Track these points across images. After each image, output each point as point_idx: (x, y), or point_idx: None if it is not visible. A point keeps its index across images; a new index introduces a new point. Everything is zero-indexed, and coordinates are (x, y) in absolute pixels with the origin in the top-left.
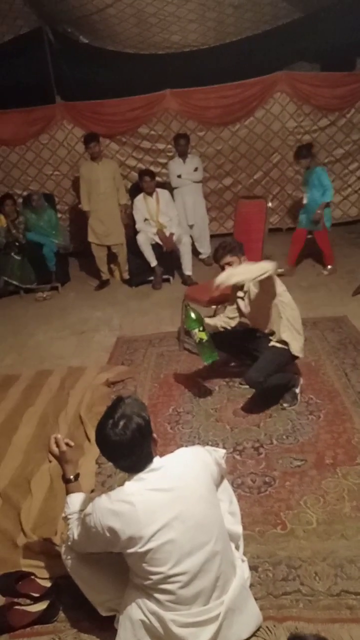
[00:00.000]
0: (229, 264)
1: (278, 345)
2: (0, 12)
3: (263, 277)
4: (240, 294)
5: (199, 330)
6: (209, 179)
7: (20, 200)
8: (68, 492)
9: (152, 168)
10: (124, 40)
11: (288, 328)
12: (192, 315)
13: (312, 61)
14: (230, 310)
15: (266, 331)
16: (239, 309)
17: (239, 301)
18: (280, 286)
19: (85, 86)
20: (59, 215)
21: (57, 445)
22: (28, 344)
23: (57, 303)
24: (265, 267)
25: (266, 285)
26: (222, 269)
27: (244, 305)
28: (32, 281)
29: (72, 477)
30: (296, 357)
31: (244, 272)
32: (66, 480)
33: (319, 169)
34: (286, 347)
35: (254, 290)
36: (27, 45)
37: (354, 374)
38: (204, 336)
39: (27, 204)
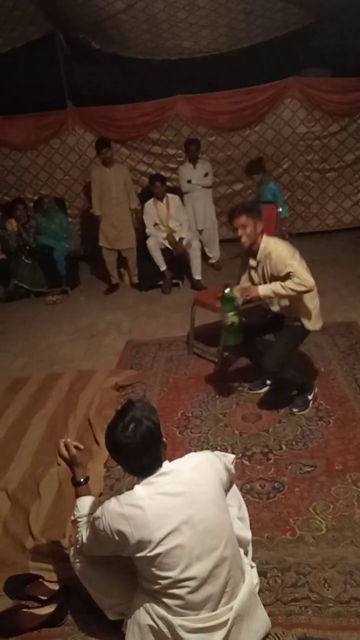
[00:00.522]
0: (244, 226)
1: (292, 324)
2: (14, 18)
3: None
4: (252, 262)
5: (233, 314)
6: (219, 184)
7: (31, 204)
8: (77, 495)
9: (162, 173)
10: (136, 46)
11: (301, 302)
12: (230, 296)
13: (323, 66)
14: (244, 281)
15: (277, 308)
16: (251, 279)
17: (252, 271)
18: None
19: (97, 92)
20: (70, 219)
21: (67, 449)
22: (38, 347)
23: (67, 306)
24: (309, 284)
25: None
26: (235, 230)
27: (257, 276)
28: (43, 285)
29: (82, 480)
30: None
31: (280, 292)
32: (76, 483)
33: (272, 184)
34: (299, 324)
35: (268, 269)
36: (40, 51)
37: None
38: (236, 320)
39: (38, 207)
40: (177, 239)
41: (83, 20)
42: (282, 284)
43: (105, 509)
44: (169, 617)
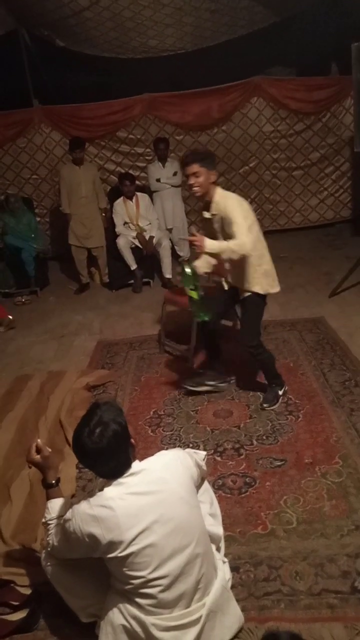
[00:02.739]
0: (196, 174)
1: (247, 296)
2: None
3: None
4: (206, 214)
5: (190, 289)
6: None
7: None
8: (49, 498)
9: (131, 172)
10: (102, 44)
11: (255, 270)
12: (188, 271)
13: (289, 66)
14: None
15: (232, 279)
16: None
17: (208, 225)
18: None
19: (63, 90)
20: (38, 219)
21: (40, 451)
22: (7, 349)
23: (37, 307)
24: (244, 249)
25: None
26: (187, 177)
27: (213, 230)
28: (11, 285)
29: (53, 481)
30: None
31: (226, 252)
32: (47, 485)
33: None
34: (254, 293)
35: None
36: (3, 48)
37: (331, 374)
38: (194, 295)
39: (5, 207)
40: (147, 237)
41: (47, 17)
42: (227, 243)
43: (75, 511)
44: (142, 616)
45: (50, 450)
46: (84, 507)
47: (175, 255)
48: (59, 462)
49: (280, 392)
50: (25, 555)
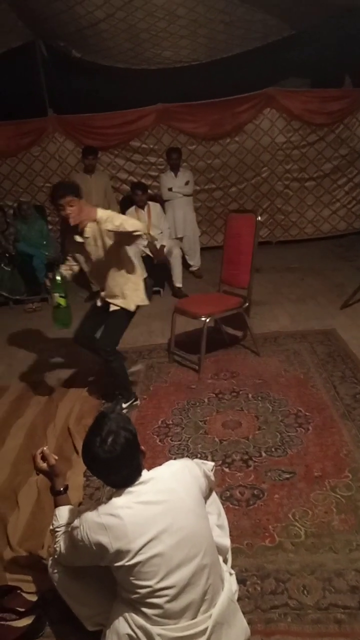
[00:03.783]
0: (70, 204)
1: (117, 307)
2: None
3: (137, 233)
4: (79, 239)
5: (60, 296)
6: (200, 192)
7: (11, 211)
8: (57, 505)
9: (143, 181)
10: (116, 54)
11: (128, 286)
12: (58, 279)
13: (302, 77)
14: (70, 260)
15: (105, 292)
16: (80, 257)
17: (85, 246)
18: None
19: (78, 99)
20: (50, 227)
21: (46, 459)
22: (17, 355)
23: (47, 314)
24: (138, 226)
25: (126, 240)
26: (60, 208)
27: (94, 248)
28: (22, 292)
29: (61, 489)
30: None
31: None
32: (55, 493)
33: None
34: (122, 308)
35: (108, 241)
36: (20, 59)
37: (342, 387)
38: (62, 302)
39: (17, 214)
40: (158, 246)
41: (63, 29)
42: (129, 223)
43: (83, 519)
44: (148, 626)
45: (56, 457)
46: (92, 515)
47: (185, 265)
48: (66, 469)
49: (125, 406)
50: (32, 562)
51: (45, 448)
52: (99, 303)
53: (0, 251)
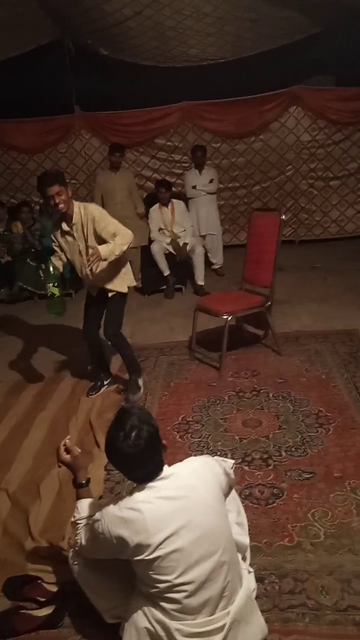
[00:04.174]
0: (59, 193)
1: (111, 296)
2: (23, 23)
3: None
4: (65, 227)
5: (53, 286)
6: (223, 190)
7: (37, 207)
8: (78, 497)
9: (167, 178)
10: (143, 52)
11: (120, 270)
12: (51, 269)
13: (328, 75)
14: (58, 250)
15: (95, 281)
16: (65, 246)
17: (66, 236)
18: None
19: (104, 97)
20: None
21: (69, 451)
22: (41, 349)
23: (70, 309)
24: (130, 237)
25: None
26: (49, 198)
27: (75, 236)
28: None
29: (83, 482)
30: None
31: (117, 249)
32: (77, 485)
33: None
34: (116, 292)
35: (90, 228)
36: (48, 56)
37: None
38: (56, 292)
39: (43, 211)
40: (180, 244)
41: (91, 26)
42: (115, 242)
43: (104, 512)
44: (166, 620)
45: (79, 450)
46: (113, 509)
47: (208, 263)
48: (88, 463)
49: (140, 381)
50: (52, 553)
51: (68, 440)
52: (94, 293)
53: (27, 246)
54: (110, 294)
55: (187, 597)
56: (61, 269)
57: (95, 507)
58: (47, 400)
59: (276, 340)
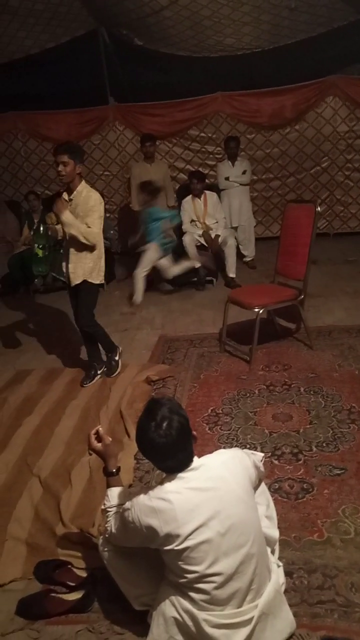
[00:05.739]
0: (64, 163)
1: (84, 287)
2: (59, 15)
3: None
4: (66, 196)
5: (38, 247)
6: (257, 181)
7: None
8: (109, 485)
9: (200, 169)
10: (178, 42)
11: (96, 263)
12: (41, 229)
13: None
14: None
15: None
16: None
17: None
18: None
19: (138, 88)
20: (108, 214)
21: (101, 439)
22: (73, 339)
23: (102, 300)
24: (90, 238)
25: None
26: (57, 164)
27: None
28: None
29: (114, 470)
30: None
31: (74, 228)
32: (108, 474)
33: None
34: (88, 284)
35: (79, 207)
36: (83, 47)
37: None
38: (39, 253)
39: None
40: (212, 236)
41: (126, 16)
42: (80, 224)
43: (135, 501)
44: (194, 611)
45: (110, 439)
46: (143, 499)
47: (240, 255)
48: (118, 451)
49: (117, 357)
50: (82, 539)
51: (99, 428)
52: (71, 284)
53: (60, 238)
54: (83, 285)
55: (216, 588)
56: (54, 234)
57: (125, 496)
58: (79, 388)
59: (308, 334)
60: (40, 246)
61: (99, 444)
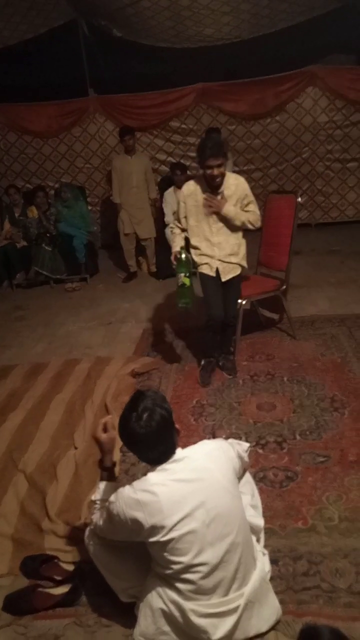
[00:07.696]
0: (220, 165)
1: (237, 276)
2: (37, 4)
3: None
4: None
5: (185, 276)
6: (239, 173)
7: (52, 192)
8: (102, 479)
9: (182, 161)
10: (158, 33)
11: (243, 246)
12: (183, 257)
13: (347, 53)
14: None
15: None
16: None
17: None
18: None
19: (118, 79)
20: (90, 207)
21: (107, 430)
22: (57, 333)
23: (86, 294)
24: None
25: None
26: (208, 167)
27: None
28: (62, 272)
29: (110, 465)
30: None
31: (240, 219)
32: (103, 468)
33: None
34: (239, 273)
35: (238, 194)
36: (62, 38)
37: None
38: (187, 282)
39: (59, 196)
40: None
41: (105, 7)
42: (245, 214)
43: (119, 494)
44: (181, 601)
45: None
46: (128, 491)
47: None
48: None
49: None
50: (69, 533)
51: (110, 418)
52: (213, 274)
53: (42, 231)
54: (234, 275)
55: (201, 578)
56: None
57: (114, 490)
58: (64, 383)
59: (291, 324)
60: (187, 275)
61: (104, 435)
